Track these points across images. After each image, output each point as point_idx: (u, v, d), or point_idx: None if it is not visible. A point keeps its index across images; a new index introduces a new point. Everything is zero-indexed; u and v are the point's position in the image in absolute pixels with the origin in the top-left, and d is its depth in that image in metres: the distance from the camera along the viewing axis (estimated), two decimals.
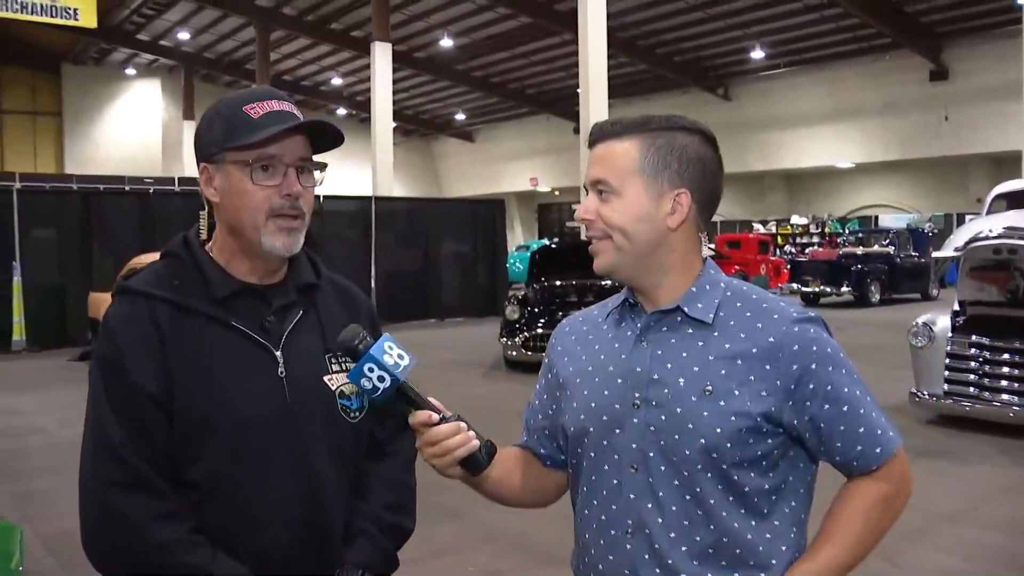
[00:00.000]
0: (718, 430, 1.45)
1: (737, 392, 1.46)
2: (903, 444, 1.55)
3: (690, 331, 1.52)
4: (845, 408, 1.49)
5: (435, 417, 1.49)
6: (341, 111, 41.85)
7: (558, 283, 12.90)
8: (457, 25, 29.98)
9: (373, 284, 19.00)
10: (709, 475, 1.47)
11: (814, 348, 1.48)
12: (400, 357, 1.47)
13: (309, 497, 1.63)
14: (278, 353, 1.64)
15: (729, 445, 1.45)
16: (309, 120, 1.66)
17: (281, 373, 1.63)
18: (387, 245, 19.68)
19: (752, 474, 1.49)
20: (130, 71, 40.23)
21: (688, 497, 1.48)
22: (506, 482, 1.68)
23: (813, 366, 1.47)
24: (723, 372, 1.47)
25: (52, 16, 23.97)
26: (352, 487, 1.72)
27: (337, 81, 38.28)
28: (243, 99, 1.65)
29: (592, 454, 1.58)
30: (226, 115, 1.64)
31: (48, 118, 40.17)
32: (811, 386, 1.47)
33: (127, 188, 20.90)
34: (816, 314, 1.55)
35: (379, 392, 1.46)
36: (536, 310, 12.15)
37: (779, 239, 33.06)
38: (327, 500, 1.66)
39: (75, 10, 23.71)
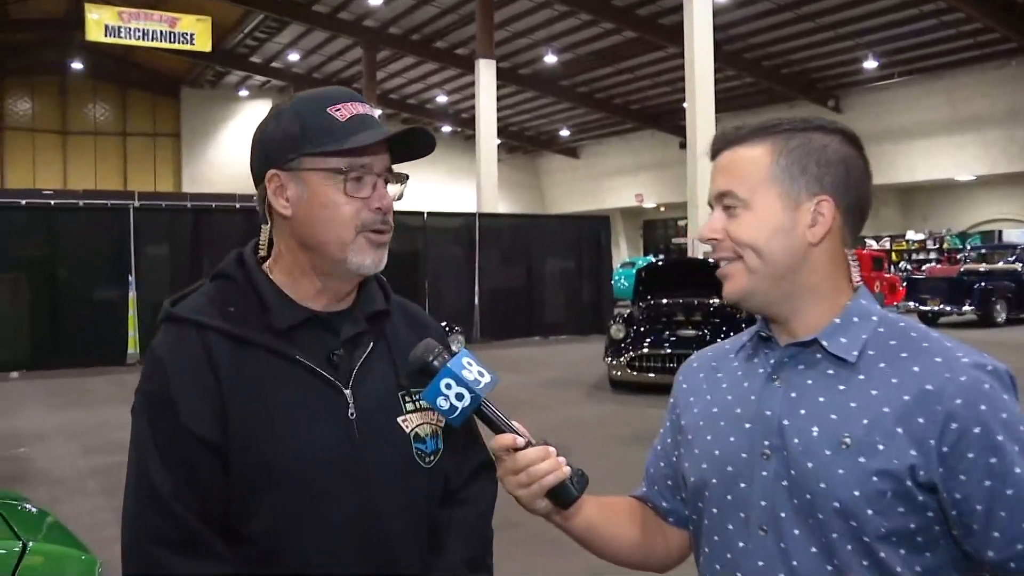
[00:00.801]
0: (856, 492, 1.19)
1: (882, 447, 1.20)
2: None
3: (830, 371, 1.28)
4: (1011, 492, 1.17)
5: (520, 441, 1.31)
6: (446, 128, 42.31)
7: (665, 301, 12.59)
8: (561, 41, 29.95)
9: (477, 301, 19.02)
10: (849, 547, 1.21)
11: (982, 407, 1.18)
12: (480, 374, 1.31)
13: (380, 554, 1.44)
14: (347, 391, 1.44)
15: (870, 512, 1.19)
16: (410, 127, 1.46)
17: (351, 414, 1.43)
18: (491, 262, 19.65)
19: (903, 551, 1.20)
20: (243, 92, 41.53)
21: (829, 568, 1.23)
22: (611, 533, 1.47)
23: (976, 429, 1.17)
24: (865, 422, 1.21)
25: (171, 42, 25.14)
26: (426, 539, 1.52)
27: (442, 99, 38.72)
28: (323, 99, 1.45)
29: (714, 510, 1.35)
30: (307, 117, 1.43)
31: (167, 139, 41.83)
32: (970, 455, 1.18)
33: (237, 206, 21.45)
34: (1000, 366, 1.24)
35: (457, 412, 1.30)
36: (642, 329, 11.83)
37: (893, 255, 31.92)
38: (400, 557, 1.46)
39: (191, 35, 24.72)
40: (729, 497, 1.33)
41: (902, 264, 31.56)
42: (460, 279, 19.13)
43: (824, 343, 1.29)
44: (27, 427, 9.70)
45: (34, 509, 2.95)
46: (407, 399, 1.50)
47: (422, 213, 18.96)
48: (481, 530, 1.60)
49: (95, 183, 38.01)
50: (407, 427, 1.49)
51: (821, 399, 1.27)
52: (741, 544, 1.31)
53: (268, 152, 1.45)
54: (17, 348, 14.81)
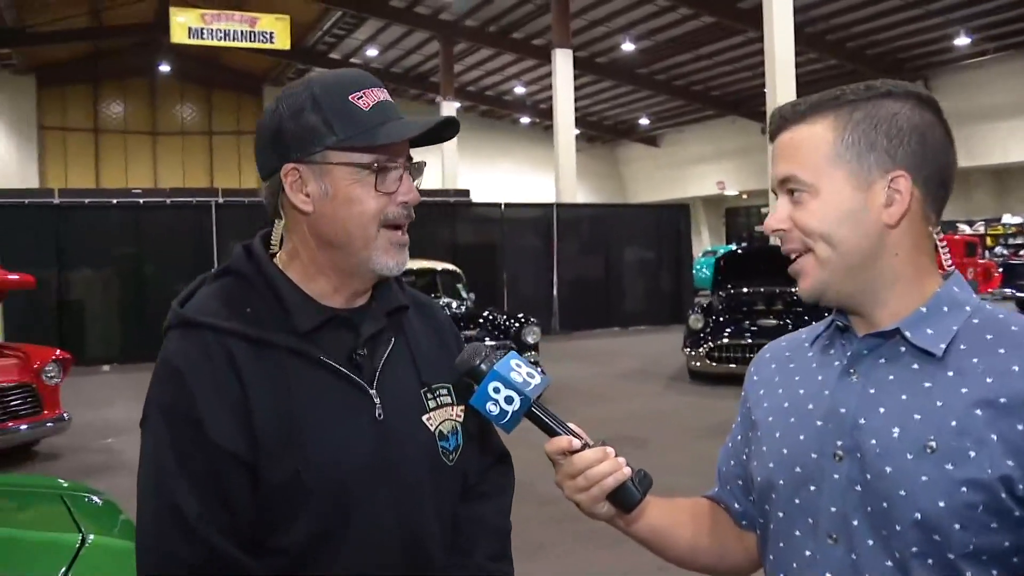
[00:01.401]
0: (941, 503, 1.07)
1: (973, 454, 1.07)
2: None
3: (915, 366, 1.15)
4: None
5: (576, 443, 1.24)
6: (525, 119, 42.24)
7: (745, 290, 12.33)
8: (638, 28, 29.60)
9: (555, 292, 18.95)
10: (930, 562, 1.08)
11: None
12: (530, 375, 1.25)
13: (416, 558, 1.38)
14: (373, 392, 1.37)
15: (957, 527, 1.06)
16: (440, 119, 1.38)
17: (379, 416, 1.36)
18: (569, 252, 19.58)
19: (994, 572, 1.07)
20: None
21: None
22: (678, 536, 1.38)
23: None
24: (954, 424, 1.09)
25: (251, 41, 25.67)
26: (451, 537, 1.48)
27: (520, 90, 38.65)
28: (342, 85, 1.36)
29: (780, 514, 1.25)
30: (328, 105, 1.34)
31: (251, 137, 42.22)
32: None
33: None
34: None
35: (508, 416, 1.24)
36: (721, 319, 11.61)
37: (988, 240, 30.80)
38: (434, 560, 1.41)
39: (271, 34, 25.19)
40: (796, 501, 1.23)
41: (997, 249, 30.42)
42: (538, 270, 19.11)
43: (907, 334, 1.16)
44: (117, 419, 9.98)
45: (100, 502, 2.98)
46: (429, 396, 1.44)
47: (500, 204, 18.95)
48: (502, 525, 1.56)
49: (183, 181, 39.06)
50: (431, 426, 1.43)
51: (903, 397, 1.14)
52: (808, 552, 1.20)
53: (285, 144, 1.36)
54: (108, 343, 15.37)
